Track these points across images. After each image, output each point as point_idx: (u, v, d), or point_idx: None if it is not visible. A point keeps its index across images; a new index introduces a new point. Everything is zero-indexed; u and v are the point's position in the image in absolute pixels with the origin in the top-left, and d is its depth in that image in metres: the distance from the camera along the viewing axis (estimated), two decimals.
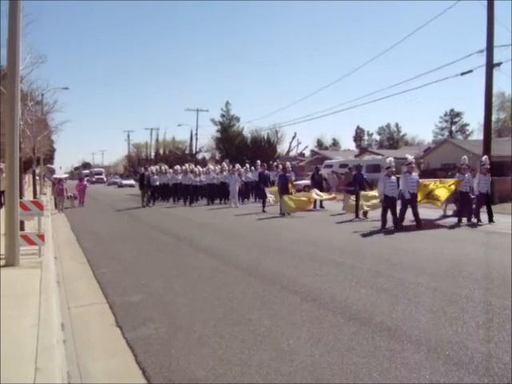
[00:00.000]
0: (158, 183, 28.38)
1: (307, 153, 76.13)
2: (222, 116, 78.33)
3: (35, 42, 24.06)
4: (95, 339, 5.27)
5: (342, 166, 35.01)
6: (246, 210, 21.82)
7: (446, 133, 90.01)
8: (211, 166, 30.41)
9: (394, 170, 14.92)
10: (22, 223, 11.12)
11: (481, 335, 5.09)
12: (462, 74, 23.23)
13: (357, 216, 17.47)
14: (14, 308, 5.90)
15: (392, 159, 15.54)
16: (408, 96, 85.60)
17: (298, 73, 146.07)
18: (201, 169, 29.64)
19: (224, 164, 29.34)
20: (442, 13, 38.20)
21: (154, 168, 30.31)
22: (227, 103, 78.87)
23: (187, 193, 27.82)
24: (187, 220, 18.99)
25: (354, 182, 18.67)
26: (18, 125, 9.37)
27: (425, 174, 36.36)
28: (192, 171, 28.72)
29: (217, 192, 27.87)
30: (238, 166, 28.65)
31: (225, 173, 27.62)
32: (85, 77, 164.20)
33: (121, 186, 65.86)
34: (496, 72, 21.39)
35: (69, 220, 18.69)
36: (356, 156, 57.23)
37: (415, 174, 15.42)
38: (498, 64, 21.44)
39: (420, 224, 14.50)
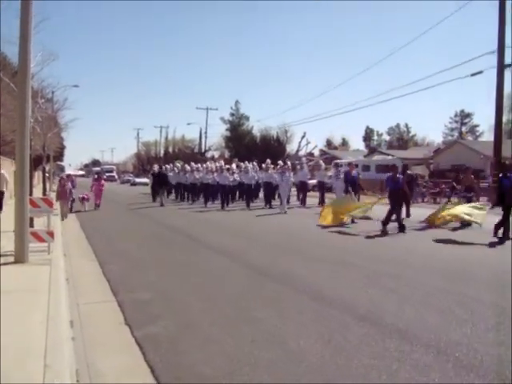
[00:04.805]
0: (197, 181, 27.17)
1: (316, 152, 75.94)
2: (232, 115, 78.87)
3: (46, 39, 24.04)
4: (104, 337, 5.27)
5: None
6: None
7: (456, 133, 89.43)
8: (249, 164, 27.00)
9: None
10: (31, 220, 11.16)
11: (491, 338, 5.05)
12: (473, 74, 23.15)
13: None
14: (23, 304, 5.92)
15: None
16: (418, 96, 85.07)
17: (308, 72, 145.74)
18: (235, 167, 26.83)
19: (268, 161, 25.55)
20: (454, 13, 38.13)
21: (195, 165, 29.35)
22: (237, 102, 79.60)
23: (223, 194, 23.79)
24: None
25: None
26: (29, 122, 9.40)
27: (434, 174, 36.27)
28: (228, 169, 25.33)
29: (254, 193, 25.62)
30: (289, 162, 24.68)
31: (271, 171, 24.29)
32: (95, 75, 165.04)
33: (134, 184, 65.48)
34: (507, 73, 21.27)
35: (78, 218, 18.69)
36: (365, 156, 57.06)
37: None
38: (510, 65, 21.32)
39: None
